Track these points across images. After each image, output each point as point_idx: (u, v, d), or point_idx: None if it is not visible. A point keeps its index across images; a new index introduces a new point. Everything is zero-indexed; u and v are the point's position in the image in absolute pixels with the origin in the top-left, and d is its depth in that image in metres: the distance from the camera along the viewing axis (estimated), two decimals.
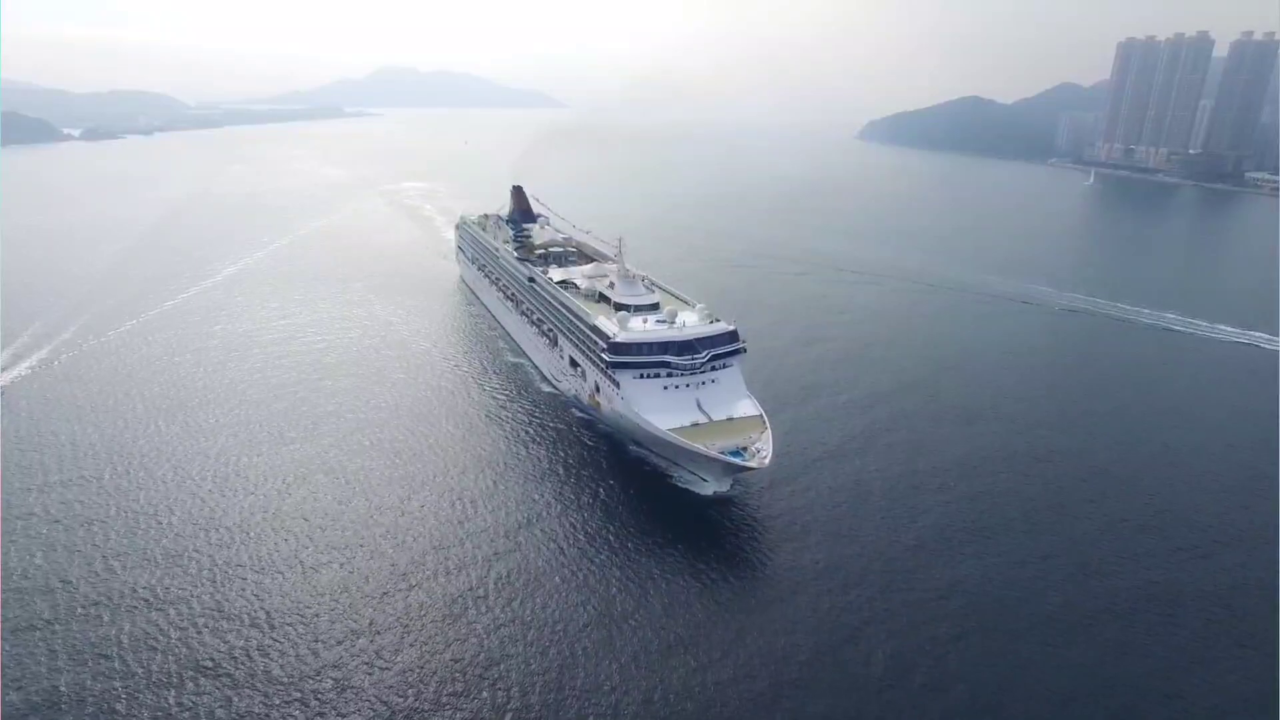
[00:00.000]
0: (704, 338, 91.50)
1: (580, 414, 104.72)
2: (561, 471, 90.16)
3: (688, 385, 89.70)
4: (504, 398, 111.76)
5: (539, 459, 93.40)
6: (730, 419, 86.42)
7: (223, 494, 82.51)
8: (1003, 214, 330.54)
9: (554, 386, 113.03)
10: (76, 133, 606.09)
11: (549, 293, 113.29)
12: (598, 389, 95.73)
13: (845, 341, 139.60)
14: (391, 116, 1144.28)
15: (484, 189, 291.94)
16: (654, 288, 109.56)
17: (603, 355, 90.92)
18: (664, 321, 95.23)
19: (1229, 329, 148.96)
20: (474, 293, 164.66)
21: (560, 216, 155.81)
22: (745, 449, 79.87)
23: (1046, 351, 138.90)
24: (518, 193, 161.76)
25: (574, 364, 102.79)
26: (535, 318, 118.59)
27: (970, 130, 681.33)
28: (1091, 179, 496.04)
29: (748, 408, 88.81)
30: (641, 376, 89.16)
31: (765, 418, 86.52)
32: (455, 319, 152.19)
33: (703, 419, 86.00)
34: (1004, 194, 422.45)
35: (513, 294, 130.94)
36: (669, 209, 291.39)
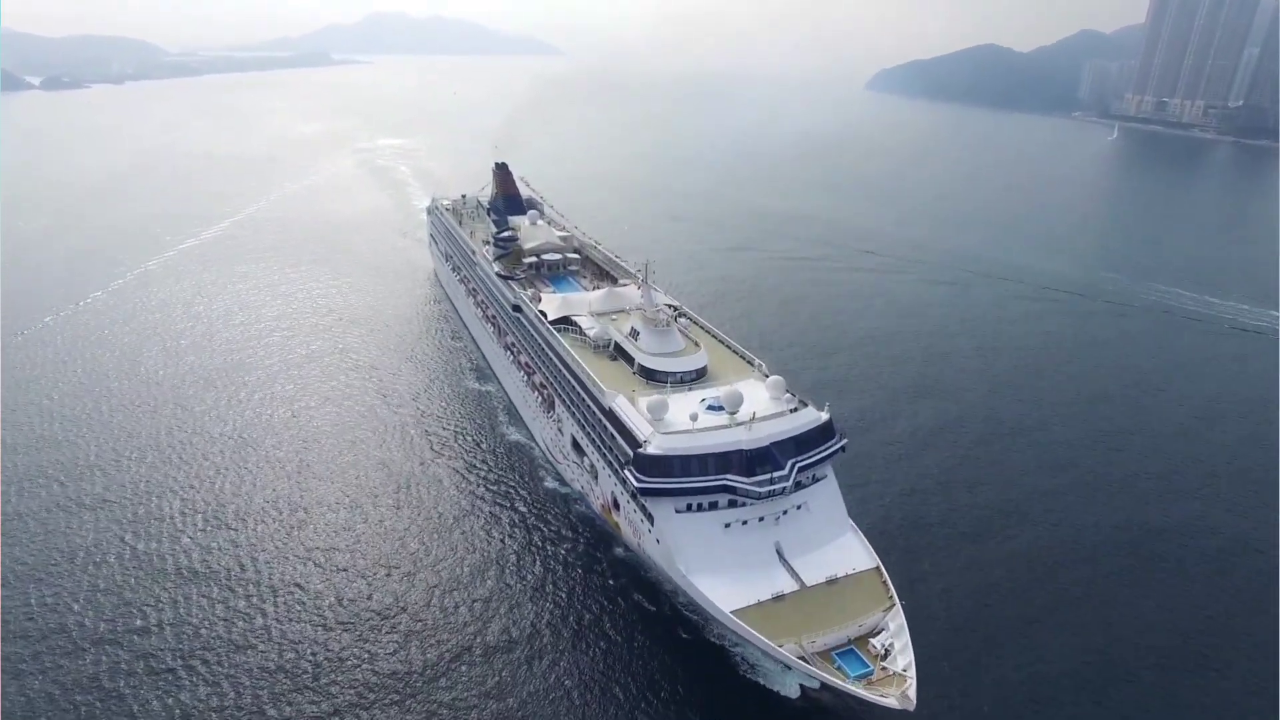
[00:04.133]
0: (786, 439, 58.95)
1: (562, 484, 78.22)
2: (544, 588, 62.90)
3: (761, 520, 58.01)
4: (464, 450, 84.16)
5: (510, 561, 65.95)
6: (832, 580, 55.00)
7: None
8: (1061, 182, 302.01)
9: (537, 443, 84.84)
10: (37, 81, 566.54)
11: (542, 337, 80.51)
12: (615, 504, 64.96)
13: (960, 391, 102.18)
14: (380, 64, 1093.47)
15: (467, 145, 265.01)
16: (690, 329, 77.67)
17: (627, 472, 58.95)
18: (719, 408, 61.39)
19: None
20: (449, 297, 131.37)
21: (552, 207, 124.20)
22: (865, 643, 49.94)
23: None
24: (502, 173, 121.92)
25: (578, 448, 71.70)
26: (522, 359, 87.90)
27: (987, 80, 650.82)
28: (1115, 134, 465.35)
29: (856, 555, 57.63)
30: (689, 508, 57.95)
31: (885, 574, 55.52)
32: (420, 328, 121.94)
33: (788, 584, 54.52)
34: (1048, 156, 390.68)
35: (493, 315, 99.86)
36: (690, 178, 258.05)
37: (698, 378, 68.47)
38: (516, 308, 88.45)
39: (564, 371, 73.91)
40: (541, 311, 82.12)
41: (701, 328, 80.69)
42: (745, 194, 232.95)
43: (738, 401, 60.92)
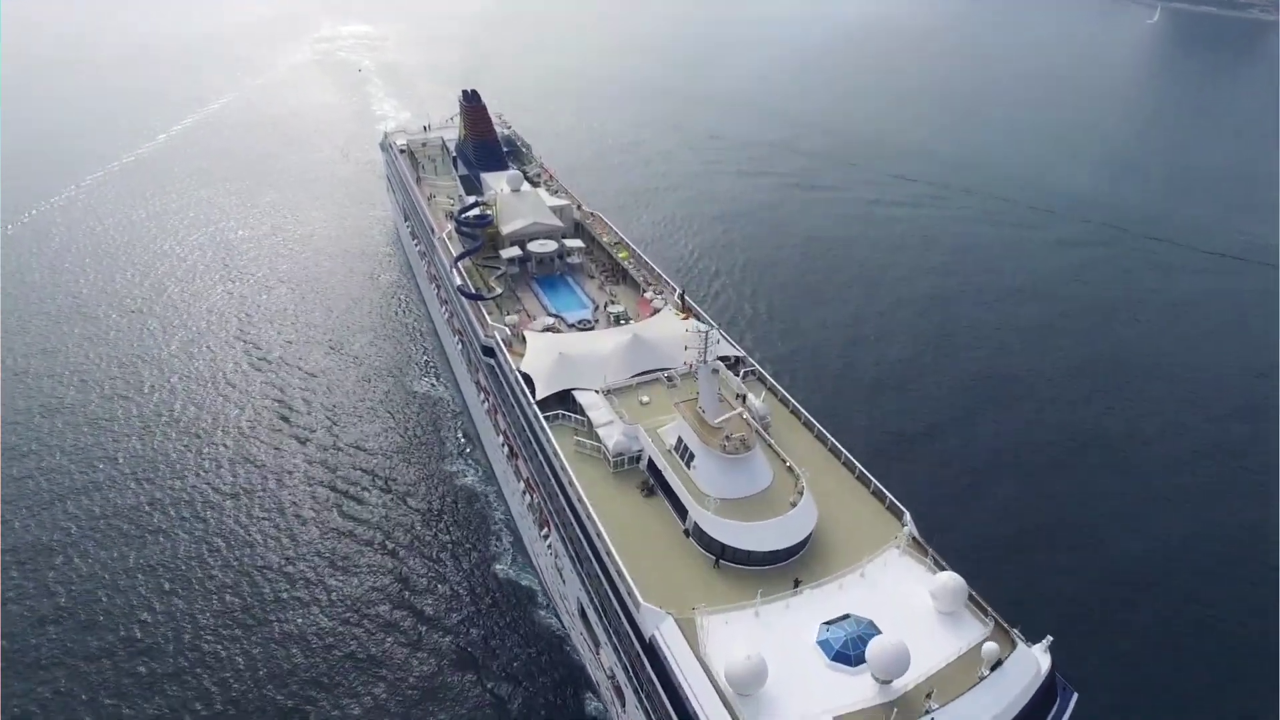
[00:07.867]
0: None
1: (526, 570, 54.37)
2: None
3: None
4: (388, 504, 59.47)
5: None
6: None
7: None
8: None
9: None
10: None
11: (529, 421, 48.51)
12: None
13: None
14: None
15: (448, 31, 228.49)
16: (771, 419, 45.36)
17: None
18: (855, 658, 30.97)
19: None
20: (408, 263, 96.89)
21: (542, 166, 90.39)
22: None
23: None
24: (473, 107, 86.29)
25: (585, 619, 44.60)
26: (500, 424, 57.57)
27: None
28: (1156, 16, 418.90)
29: None
30: None
31: None
32: (359, 298, 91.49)
33: None
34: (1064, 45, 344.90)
35: (460, 329, 68.52)
36: (724, 86, 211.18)
37: (796, 553, 36.85)
38: (489, 351, 55.93)
39: (565, 509, 43.53)
40: (525, 375, 49.32)
41: (778, 398, 48.38)
42: (795, 107, 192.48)
43: (900, 667, 29.86)
